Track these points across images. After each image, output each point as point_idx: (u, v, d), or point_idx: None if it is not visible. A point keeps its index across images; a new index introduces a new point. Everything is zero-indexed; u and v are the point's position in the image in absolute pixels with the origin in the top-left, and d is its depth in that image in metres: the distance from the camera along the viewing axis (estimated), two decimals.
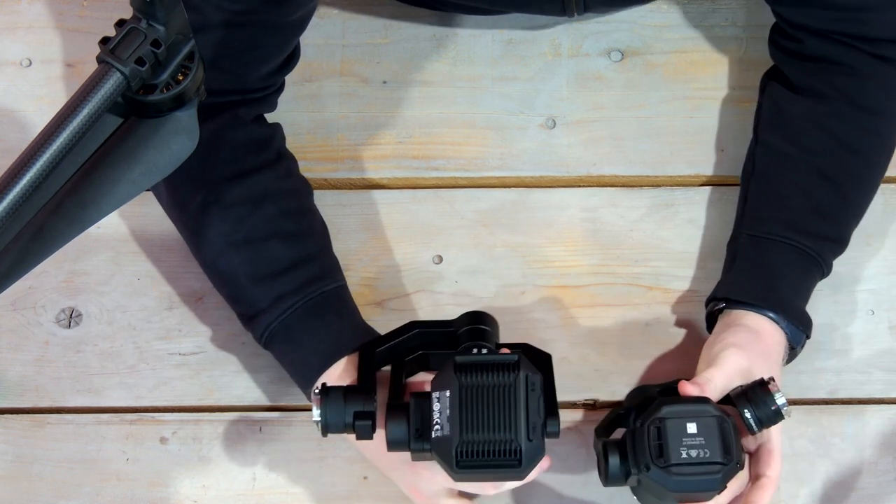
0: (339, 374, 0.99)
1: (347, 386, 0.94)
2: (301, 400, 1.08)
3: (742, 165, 1.13)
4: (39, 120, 1.18)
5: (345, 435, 0.95)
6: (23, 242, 0.74)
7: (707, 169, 1.17)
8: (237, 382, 1.09)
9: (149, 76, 0.74)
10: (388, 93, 1.20)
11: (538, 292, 1.12)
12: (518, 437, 0.89)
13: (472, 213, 1.15)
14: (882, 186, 1.14)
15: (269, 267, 1.02)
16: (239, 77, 1.03)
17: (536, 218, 1.15)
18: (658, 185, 1.17)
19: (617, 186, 1.17)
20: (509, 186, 1.17)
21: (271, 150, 1.06)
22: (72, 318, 1.11)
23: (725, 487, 0.93)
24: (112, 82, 0.72)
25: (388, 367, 0.98)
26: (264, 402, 1.09)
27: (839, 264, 1.12)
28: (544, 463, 0.96)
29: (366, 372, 0.96)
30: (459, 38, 1.22)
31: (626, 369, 1.10)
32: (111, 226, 1.14)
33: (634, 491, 0.97)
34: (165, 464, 1.07)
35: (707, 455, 0.91)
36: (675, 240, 1.14)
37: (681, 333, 1.11)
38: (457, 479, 0.91)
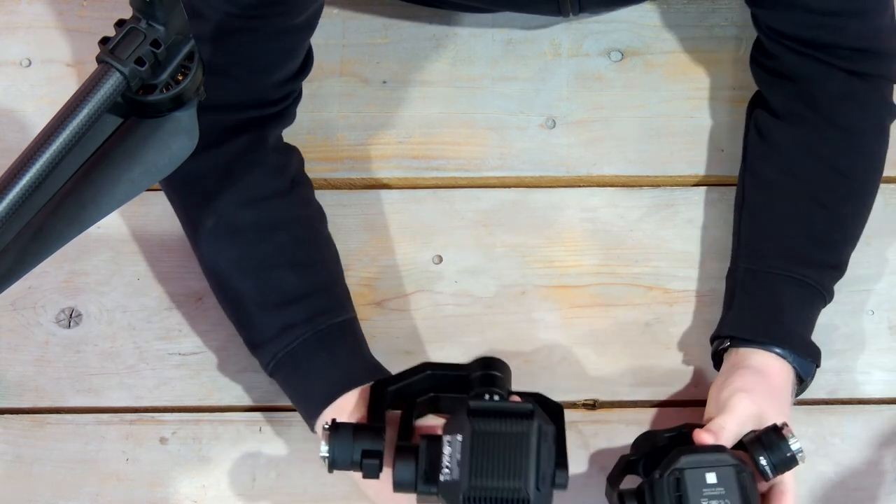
0: (345, 407, 0.98)
1: (357, 424, 0.94)
2: None
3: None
4: (39, 120, 1.18)
5: (350, 473, 0.95)
6: (23, 242, 0.74)
7: (707, 169, 1.17)
8: (237, 382, 1.09)
9: (148, 76, 0.74)
10: (388, 93, 1.20)
11: (538, 292, 1.12)
12: (527, 486, 0.88)
13: (472, 213, 1.15)
14: (882, 186, 1.14)
15: (278, 295, 1.01)
16: (253, 85, 1.03)
17: (536, 218, 1.15)
18: (658, 185, 1.17)
19: (617, 186, 1.17)
20: (509, 186, 1.17)
21: (286, 177, 1.05)
22: (72, 318, 1.11)
23: None
24: (112, 82, 0.72)
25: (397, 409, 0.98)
26: (264, 402, 1.09)
27: None
28: None
29: (376, 410, 0.96)
30: (459, 38, 1.22)
31: (626, 369, 1.10)
32: (111, 226, 1.14)
33: None
34: (165, 464, 1.07)
35: None
36: (675, 240, 1.14)
37: (681, 333, 1.11)
38: None
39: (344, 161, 1.17)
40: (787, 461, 0.94)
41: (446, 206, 1.16)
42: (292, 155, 1.09)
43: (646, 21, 1.22)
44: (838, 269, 1.06)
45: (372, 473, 0.92)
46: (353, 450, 0.92)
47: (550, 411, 0.95)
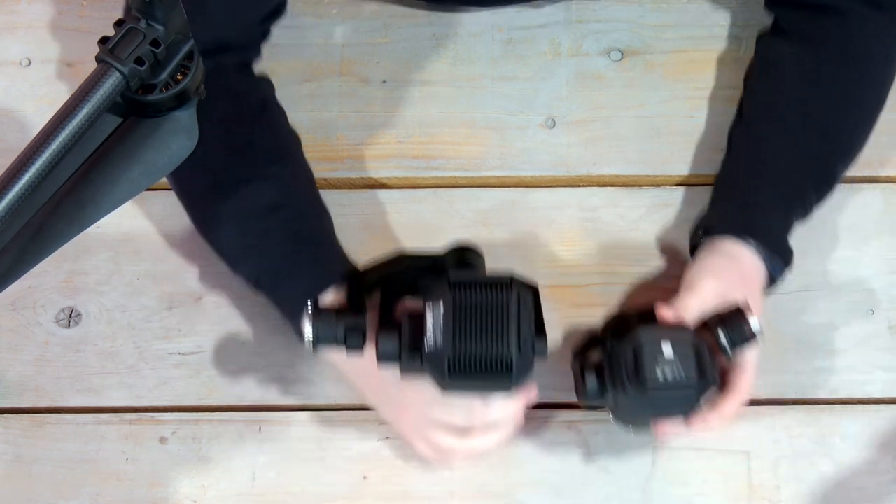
0: (327, 303, 1.00)
1: (339, 306, 0.96)
2: (301, 399, 1.09)
3: None
4: (39, 120, 1.18)
5: (336, 357, 0.98)
6: (22, 242, 0.74)
7: (707, 168, 1.17)
8: (237, 382, 1.09)
9: (148, 76, 0.74)
10: (388, 92, 1.20)
11: None
12: (510, 349, 0.90)
13: (471, 213, 1.15)
14: (882, 186, 1.14)
15: (253, 210, 1.03)
16: (220, 27, 1.04)
17: (536, 218, 1.15)
18: (658, 185, 1.17)
19: (617, 186, 1.17)
20: (509, 186, 1.17)
21: (255, 100, 1.07)
22: (71, 317, 1.11)
23: (700, 407, 0.95)
24: (111, 82, 0.72)
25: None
26: (264, 402, 1.09)
27: (839, 264, 1.12)
28: (532, 393, 0.99)
29: (355, 295, 0.98)
30: (459, 38, 1.22)
31: None
32: (111, 226, 1.14)
33: (611, 412, 1.00)
34: (165, 464, 1.07)
35: (682, 376, 0.94)
36: (676, 240, 1.14)
37: None
38: (446, 392, 0.92)
39: (344, 161, 1.17)
40: (747, 339, 0.96)
41: (446, 206, 1.16)
42: (260, 80, 1.10)
43: (646, 21, 1.22)
44: (822, 181, 1.08)
45: (356, 347, 0.94)
46: (337, 327, 0.94)
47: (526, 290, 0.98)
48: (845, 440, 1.07)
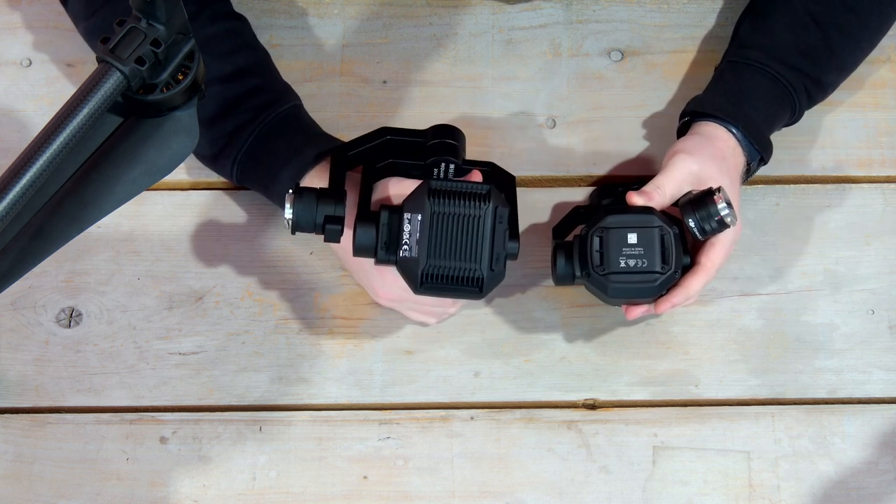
0: (309, 181, 1.03)
1: (320, 189, 0.98)
2: (301, 399, 1.09)
3: None
4: (39, 120, 1.18)
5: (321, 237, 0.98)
6: (23, 242, 0.74)
7: None
8: (237, 382, 1.09)
9: (149, 76, 0.74)
10: (388, 93, 1.20)
11: (538, 292, 1.12)
12: (481, 267, 0.94)
13: None
14: (882, 186, 1.14)
15: (217, 109, 1.05)
16: None
17: (536, 218, 1.15)
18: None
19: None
20: None
21: (191, 2, 1.07)
22: (72, 317, 1.11)
23: (664, 293, 0.99)
24: (112, 82, 0.72)
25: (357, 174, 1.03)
26: (264, 402, 1.09)
27: (839, 264, 1.12)
28: None
29: (338, 174, 1.00)
30: (459, 38, 1.22)
31: (625, 369, 1.10)
32: (111, 226, 1.14)
33: (586, 286, 1.02)
34: (165, 463, 1.07)
35: (645, 265, 0.97)
36: None
37: (681, 333, 1.11)
38: (418, 293, 0.96)
39: None
40: (716, 226, 0.98)
41: None
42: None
43: (646, 21, 1.22)
44: (815, 84, 1.10)
45: (333, 238, 0.97)
46: (316, 214, 0.96)
47: (503, 181, 1.02)
48: (845, 440, 1.07)
